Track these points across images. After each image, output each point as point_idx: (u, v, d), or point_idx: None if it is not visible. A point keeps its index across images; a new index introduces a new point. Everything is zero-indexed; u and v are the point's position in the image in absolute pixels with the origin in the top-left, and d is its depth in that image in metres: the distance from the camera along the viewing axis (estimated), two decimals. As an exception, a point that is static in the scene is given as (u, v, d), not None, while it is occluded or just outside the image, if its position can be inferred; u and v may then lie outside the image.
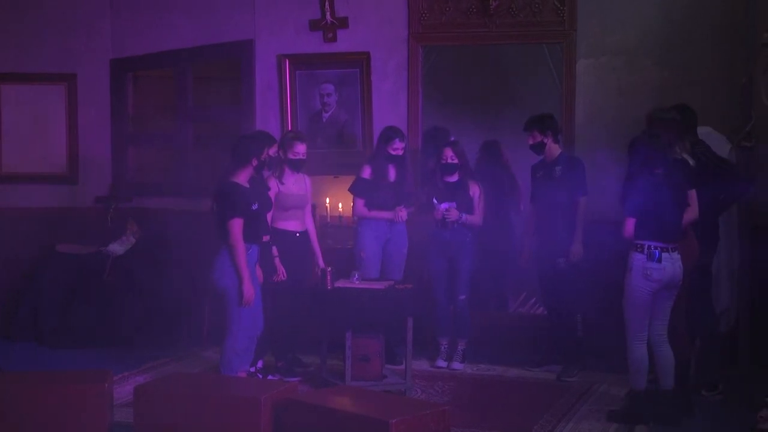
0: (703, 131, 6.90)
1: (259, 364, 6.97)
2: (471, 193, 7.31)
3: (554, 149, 7.14)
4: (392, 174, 7.37)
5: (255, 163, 6.29)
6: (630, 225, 5.76)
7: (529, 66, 8.07)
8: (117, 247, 8.49)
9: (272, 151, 6.86)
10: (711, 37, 7.38)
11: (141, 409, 5.37)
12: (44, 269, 8.46)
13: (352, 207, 7.52)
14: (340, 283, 6.76)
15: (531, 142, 7.15)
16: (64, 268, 8.40)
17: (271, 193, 6.89)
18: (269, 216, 6.86)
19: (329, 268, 6.71)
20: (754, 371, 6.95)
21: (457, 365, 7.38)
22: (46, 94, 9.09)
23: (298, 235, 7.09)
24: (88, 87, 9.08)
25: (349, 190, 7.48)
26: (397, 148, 7.29)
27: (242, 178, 6.27)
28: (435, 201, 7.28)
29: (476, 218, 7.34)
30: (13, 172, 9.02)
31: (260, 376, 6.86)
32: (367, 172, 7.36)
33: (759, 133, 7.01)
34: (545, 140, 7.10)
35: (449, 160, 7.28)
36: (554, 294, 7.25)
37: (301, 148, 7.03)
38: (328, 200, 8.17)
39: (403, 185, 7.37)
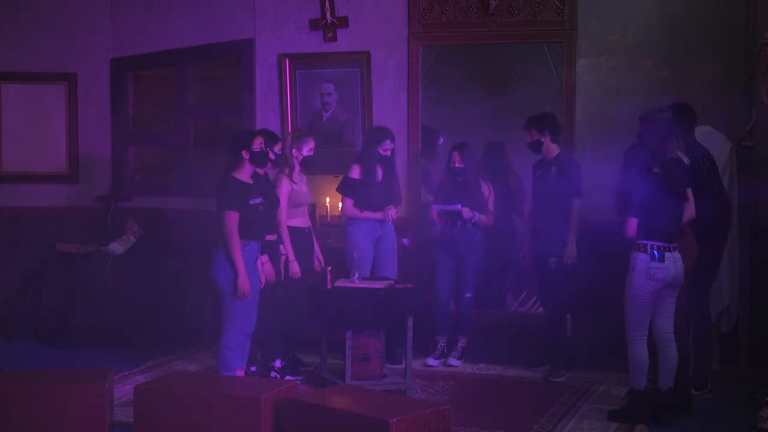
0: (703, 131, 6.91)
1: (277, 363, 6.96)
2: (484, 192, 7.38)
3: (552, 149, 7.13)
4: (380, 174, 7.38)
5: (246, 155, 6.23)
6: (632, 225, 5.76)
7: (529, 66, 8.07)
8: (117, 247, 8.49)
9: (277, 148, 6.87)
10: (711, 37, 7.38)
11: (141, 408, 5.37)
12: (44, 269, 8.46)
13: (342, 207, 7.52)
14: (340, 283, 6.77)
15: (528, 140, 7.16)
16: (64, 268, 8.40)
17: (284, 191, 6.89)
18: (283, 215, 6.87)
19: (329, 268, 6.71)
20: (754, 371, 6.95)
21: (453, 361, 7.38)
22: (46, 93, 9.08)
23: (307, 230, 7.15)
24: (89, 86, 9.07)
25: (337, 190, 7.48)
26: (387, 148, 7.32)
27: (242, 174, 6.25)
28: (432, 203, 7.40)
29: (488, 218, 7.40)
30: (13, 172, 9.00)
31: (278, 376, 6.85)
32: (356, 172, 7.36)
33: (759, 132, 7.02)
34: (542, 139, 7.10)
35: (456, 164, 7.33)
36: (547, 293, 7.26)
37: (313, 144, 7.09)
38: (328, 200, 8.16)
39: (391, 185, 7.40)
